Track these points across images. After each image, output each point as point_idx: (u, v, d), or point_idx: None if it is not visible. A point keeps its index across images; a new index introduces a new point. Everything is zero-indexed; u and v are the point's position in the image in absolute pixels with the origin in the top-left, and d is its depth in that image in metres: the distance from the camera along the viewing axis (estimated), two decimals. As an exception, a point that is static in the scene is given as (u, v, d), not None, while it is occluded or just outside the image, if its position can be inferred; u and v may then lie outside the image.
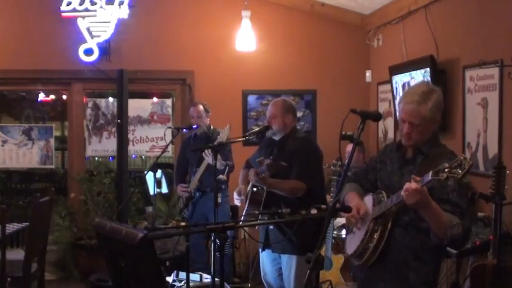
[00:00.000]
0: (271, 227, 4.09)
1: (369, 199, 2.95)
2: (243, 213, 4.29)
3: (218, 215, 4.76)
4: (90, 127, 7.00)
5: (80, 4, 6.53)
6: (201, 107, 5.67)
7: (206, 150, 4.55)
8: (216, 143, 4.63)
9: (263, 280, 4.44)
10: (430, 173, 2.49)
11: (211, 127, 5.69)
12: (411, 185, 2.54)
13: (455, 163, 2.41)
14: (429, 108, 2.76)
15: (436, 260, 2.86)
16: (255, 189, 4.19)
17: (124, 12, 6.56)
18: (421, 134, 2.81)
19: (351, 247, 2.97)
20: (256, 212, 4.07)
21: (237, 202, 4.39)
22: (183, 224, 5.06)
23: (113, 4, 6.55)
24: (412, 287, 2.79)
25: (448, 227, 2.63)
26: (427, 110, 2.76)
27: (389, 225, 2.78)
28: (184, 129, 5.71)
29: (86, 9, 6.54)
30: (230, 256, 5.82)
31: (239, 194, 4.33)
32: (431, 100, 2.77)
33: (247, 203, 4.26)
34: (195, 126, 5.59)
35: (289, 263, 4.14)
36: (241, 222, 3.51)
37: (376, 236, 2.79)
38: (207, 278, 4.38)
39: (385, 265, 2.82)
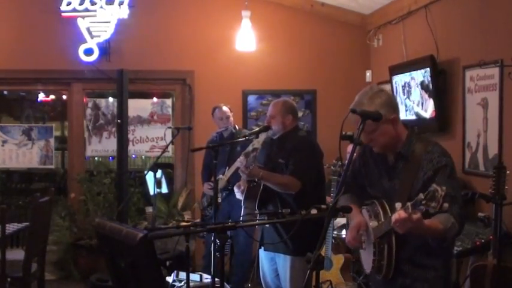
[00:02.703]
0: (267, 226, 4.10)
1: (364, 213, 2.91)
2: (242, 208, 4.34)
3: (237, 214, 4.80)
4: (90, 127, 7.00)
5: (80, 4, 6.53)
6: (226, 107, 5.70)
7: (240, 157, 4.57)
8: (251, 148, 4.62)
9: (262, 280, 4.44)
10: (409, 205, 2.42)
11: (237, 127, 5.72)
12: (400, 214, 2.46)
13: (429, 195, 2.33)
14: (375, 108, 2.70)
15: (446, 251, 2.85)
16: (252, 184, 4.23)
17: (124, 12, 6.56)
18: (381, 137, 2.76)
19: (366, 265, 2.94)
20: (256, 212, 4.10)
21: (238, 196, 4.41)
22: (183, 224, 5.06)
23: (113, 4, 6.55)
24: (432, 285, 2.78)
25: (445, 231, 2.59)
26: (374, 110, 2.68)
27: (394, 239, 2.74)
28: (217, 133, 5.74)
29: (86, 9, 6.54)
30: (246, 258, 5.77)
31: (239, 187, 4.38)
32: (374, 103, 2.72)
33: (243, 197, 4.31)
34: (222, 128, 5.66)
35: (284, 264, 4.14)
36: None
37: (385, 253, 2.76)
38: (207, 278, 4.38)
39: (403, 275, 2.80)
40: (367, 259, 2.92)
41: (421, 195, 2.37)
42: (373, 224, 2.82)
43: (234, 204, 5.27)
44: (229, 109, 5.72)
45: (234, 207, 5.30)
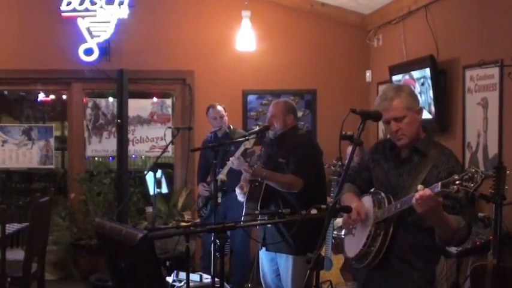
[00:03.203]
0: (269, 225, 4.10)
1: (368, 200, 2.93)
2: (243, 210, 4.33)
3: (233, 216, 4.79)
4: (90, 127, 7.00)
5: (80, 4, 6.52)
6: (220, 107, 5.67)
7: (232, 157, 4.57)
8: (243, 148, 4.62)
9: (262, 281, 4.44)
10: (439, 184, 2.46)
11: (231, 127, 5.70)
12: (425, 191, 2.49)
13: (467, 176, 2.38)
14: (404, 96, 2.82)
15: (437, 256, 2.91)
16: (253, 185, 4.23)
17: (124, 12, 6.56)
18: (411, 125, 2.82)
19: (351, 250, 2.95)
20: (256, 211, 4.10)
21: (240, 197, 4.41)
22: (183, 224, 5.06)
23: (112, 4, 6.55)
24: (417, 286, 2.80)
25: (456, 230, 2.63)
26: (403, 99, 2.81)
27: (392, 228, 2.76)
28: (212, 133, 5.71)
29: (86, 9, 6.54)
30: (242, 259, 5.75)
31: (241, 189, 4.38)
32: (403, 91, 2.85)
33: (245, 199, 4.31)
34: (216, 128, 5.63)
35: (286, 263, 4.14)
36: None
37: (379, 239, 2.78)
38: (207, 278, 4.38)
39: (389, 267, 2.82)
40: (355, 244, 2.93)
41: (456, 176, 2.41)
42: (374, 210, 2.84)
43: (229, 206, 5.27)
44: (224, 108, 5.68)
45: (229, 208, 5.30)
